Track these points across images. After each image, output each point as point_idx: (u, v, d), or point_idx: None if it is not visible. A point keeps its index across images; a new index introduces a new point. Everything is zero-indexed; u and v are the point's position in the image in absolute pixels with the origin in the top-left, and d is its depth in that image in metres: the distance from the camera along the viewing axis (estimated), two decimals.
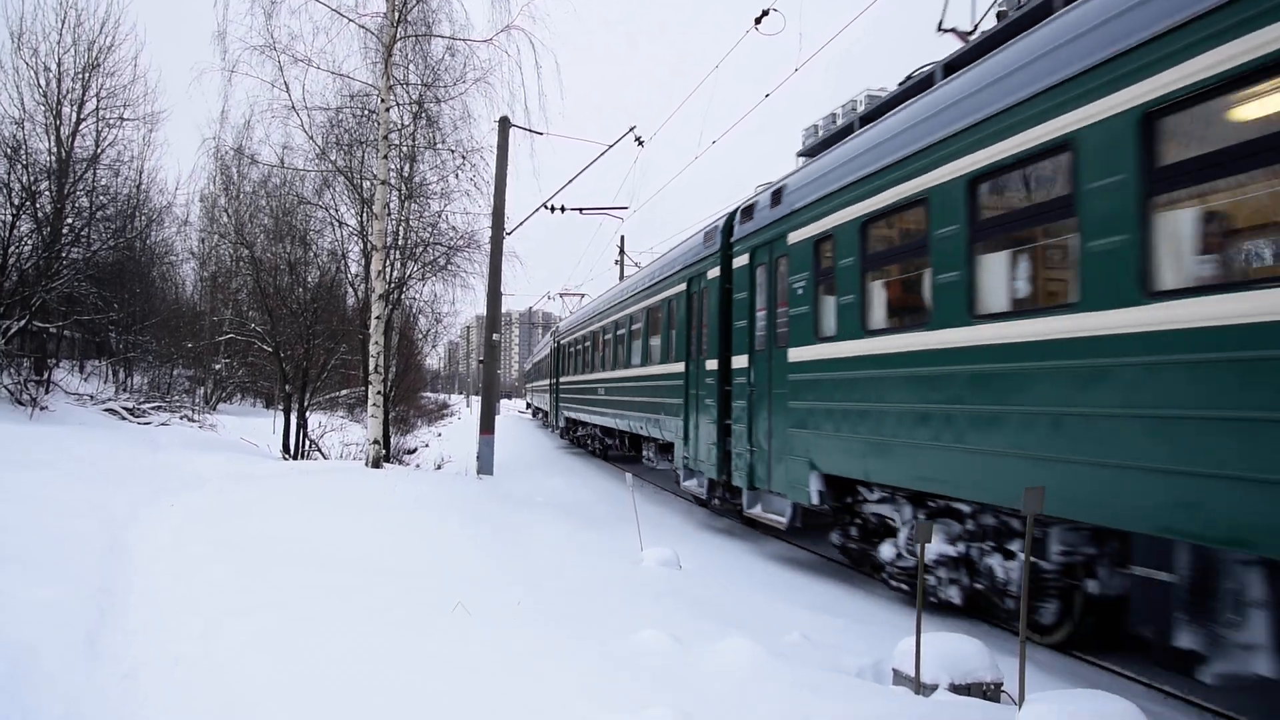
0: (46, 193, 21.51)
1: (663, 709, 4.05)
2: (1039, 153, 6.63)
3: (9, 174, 19.51)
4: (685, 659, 5.37)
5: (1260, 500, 4.81)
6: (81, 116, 24.09)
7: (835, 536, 10.61)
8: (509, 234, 20.30)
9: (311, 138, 17.71)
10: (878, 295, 9.23)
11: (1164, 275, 5.53)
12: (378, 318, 16.16)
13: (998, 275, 7.28)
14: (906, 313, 8.82)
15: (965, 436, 7.32)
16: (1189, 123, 5.52)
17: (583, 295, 37.14)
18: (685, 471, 15.32)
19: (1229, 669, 5.34)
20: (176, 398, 28.92)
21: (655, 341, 17.95)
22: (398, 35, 15.89)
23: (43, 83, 23.05)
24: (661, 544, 10.41)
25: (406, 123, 19.17)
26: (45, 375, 20.53)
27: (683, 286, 15.67)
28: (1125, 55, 5.83)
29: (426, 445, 35.15)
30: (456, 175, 19.80)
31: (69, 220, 22.34)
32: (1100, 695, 4.75)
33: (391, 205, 19.47)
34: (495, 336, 20.43)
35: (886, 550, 9.24)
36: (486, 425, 19.77)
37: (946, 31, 10.32)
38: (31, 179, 20.20)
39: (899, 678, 5.68)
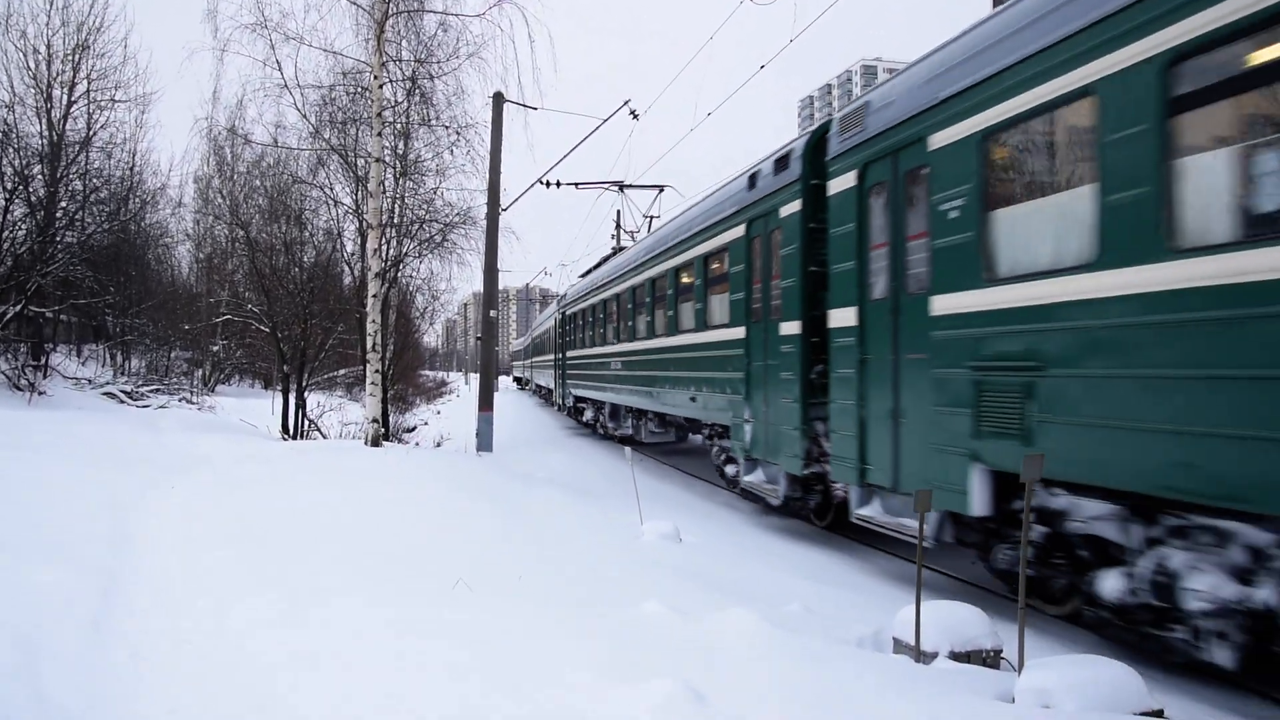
0: (39, 176, 21.42)
1: (667, 680, 4.09)
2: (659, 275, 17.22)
3: (0, 158, 19.39)
4: (688, 630, 5.41)
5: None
6: (72, 99, 23.94)
7: (577, 417, 28.98)
8: (504, 210, 20.24)
9: (305, 116, 17.60)
10: (579, 336, 27.02)
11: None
12: (374, 296, 16.13)
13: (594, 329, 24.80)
14: (590, 339, 25.04)
15: (599, 382, 24.06)
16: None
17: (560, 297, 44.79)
18: (552, 403, 36.72)
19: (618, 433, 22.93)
20: (175, 380, 28.92)
21: (545, 345, 42.09)
22: (390, 11, 15.76)
23: (32, 65, 22.89)
24: (661, 517, 10.47)
25: (400, 100, 19.06)
26: (42, 360, 20.52)
27: (551, 323, 36.88)
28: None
29: (426, 423, 35.17)
30: (451, 152, 19.72)
31: (63, 204, 22.20)
32: (1098, 660, 4.80)
33: (386, 183, 19.39)
34: (492, 313, 20.41)
35: (585, 416, 27.03)
36: (485, 402, 19.77)
37: (625, 232, 30.42)
38: (24, 163, 20.10)
39: (899, 646, 5.73)
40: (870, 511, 9.03)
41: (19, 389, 18.01)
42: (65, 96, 23.71)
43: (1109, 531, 6.12)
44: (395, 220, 21.17)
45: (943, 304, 7.66)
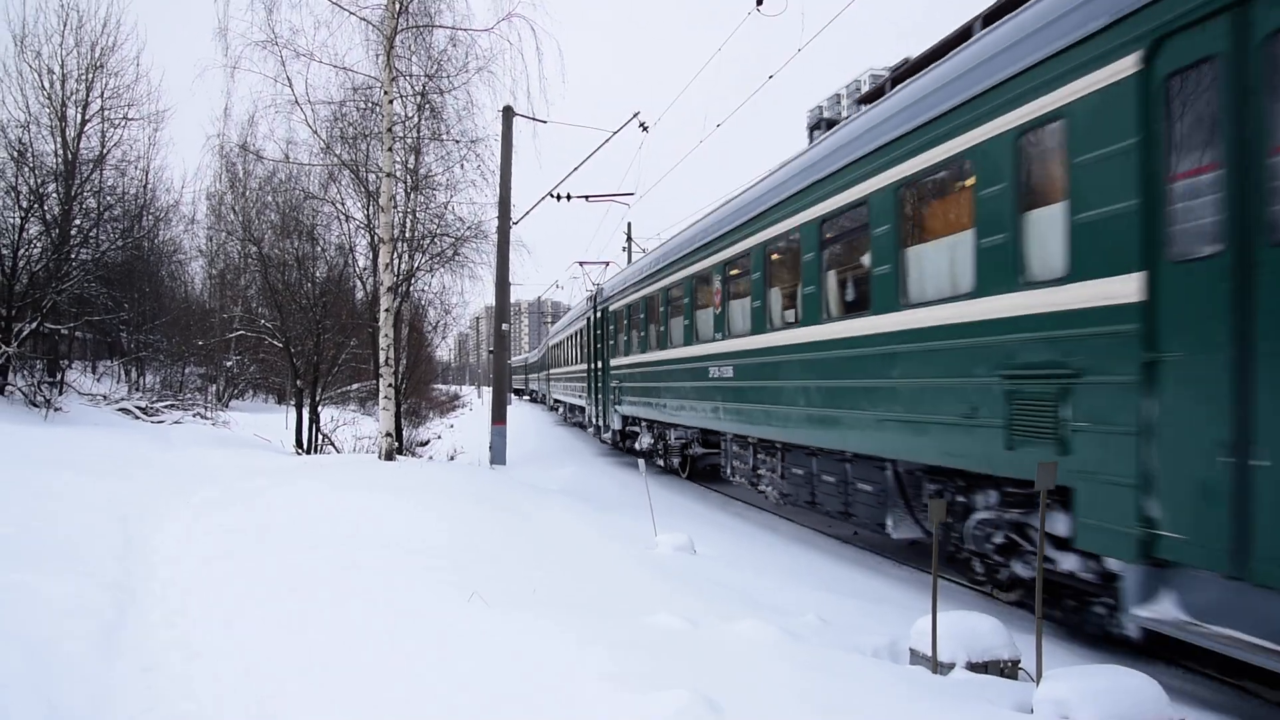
0: (54, 195, 21.55)
1: (680, 690, 4.05)
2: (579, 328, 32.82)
3: (16, 177, 19.52)
4: (701, 641, 5.38)
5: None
6: (86, 117, 24.10)
7: (555, 411, 48.48)
8: (515, 223, 20.32)
9: (316, 132, 17.68)
10: (554, 360, 44.79)
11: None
12: (387, 310, 16.16)
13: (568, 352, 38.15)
14: (557, 363, 42.48)
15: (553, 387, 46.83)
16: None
17: (547, 335, 59.09)
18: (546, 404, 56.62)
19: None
20: (189, 396, 28.97)
21: (543, 364, 54.91)
22: (399, 26, 15.82)
23: (46, 85, 23.06)
24: (675, 529, 10.42)
25: (410, 114, 19.14)
26: (58, 376, 20.62)
27: (545, 349, 54.35)
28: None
29: (439, 437, 35.17)
30: (462, 166, 19.81)
31: (77, 221, 22.33)
32: (1118, 670, 4.74)
33: (397, 197, 19.46)
34: (504, 326, 20.46)
35: (559, 411, 46.44)
36: (498, 415, 19.80)
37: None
38: (39, 181, 20.22)
39: (916, 657, 5.67)
40: (606, 436, 24.10)
41: (35, 405, 18.10)
42: (79, 115, 23.91)
43: (638, 431, 20.82)
44: (407, 235, 21.25)
45: (615, 362, 21.68)
